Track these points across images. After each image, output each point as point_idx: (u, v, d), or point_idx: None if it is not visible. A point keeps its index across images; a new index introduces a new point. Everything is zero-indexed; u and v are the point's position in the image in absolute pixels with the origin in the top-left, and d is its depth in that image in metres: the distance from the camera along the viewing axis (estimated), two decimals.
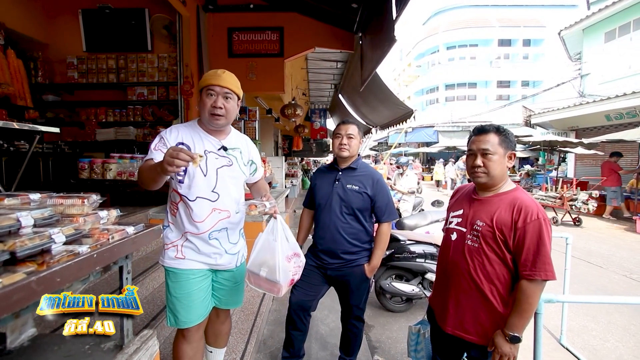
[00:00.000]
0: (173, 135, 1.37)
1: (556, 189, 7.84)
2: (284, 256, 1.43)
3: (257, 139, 4.69)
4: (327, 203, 1.88)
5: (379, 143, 30.86)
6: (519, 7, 25.23)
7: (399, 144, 24.35)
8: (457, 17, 25.71)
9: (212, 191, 1.38)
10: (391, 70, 36.56)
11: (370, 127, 9.53)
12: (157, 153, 1.33)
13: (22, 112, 4.01)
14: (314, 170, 15.74)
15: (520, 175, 11.85)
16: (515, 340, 1.23)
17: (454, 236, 1.42)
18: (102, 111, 4.60)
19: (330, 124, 14.34)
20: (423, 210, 4.97)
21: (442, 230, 1.58)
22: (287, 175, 7.44)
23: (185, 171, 1.33)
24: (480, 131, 1.35)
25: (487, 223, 1.29)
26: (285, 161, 12.36)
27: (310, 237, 2.12)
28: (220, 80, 1.34)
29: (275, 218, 1.48)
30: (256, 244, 1.50)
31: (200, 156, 1.16)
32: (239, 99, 1.45)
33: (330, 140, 17.71)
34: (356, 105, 8.82)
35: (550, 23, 21.67)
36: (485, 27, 24.38)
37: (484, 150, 1.31)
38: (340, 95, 9.41)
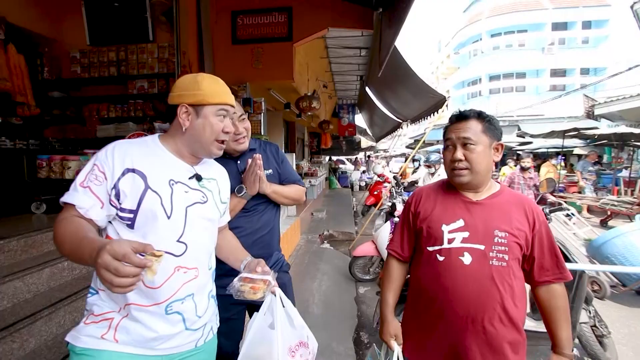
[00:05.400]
0: (118, 160, 0.89)
1: (632, 192, 6.45)
2: (285, 349, 1.02)
3: (262, 133, 4.20)
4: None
5: (415, 140, 29.30)
6: None
7: (426, 142, 22.76)
8: (503, 1, 23.45)
9: (178, 241, 0.93)
10: (428, 63, 34.71)
11: (400, 121, 8.71)
12: (84, 194, 0.86)
13: (19, 108, 3.85)
14: (344, 169, 14.90)
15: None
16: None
17: (466, 259, 1.05)
18: (104, 107, 4.39)
19: (359, 119, 13.60)
20: None
21: (392, 250, 1.29)
22: (305, 174, 6.91)
23: (136, 210, 0.88)
24: (460, 117, 1.12)
25: (510, 232, 1.06)
26: (310, 160, 11.91)
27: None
28: (232, 98, 1.04)
29: (274, 294, 1.09)
30: (248, 332, 1.05)
31: (160, 254, 0.72)
32: None
33: (360, 138, 16.99)
34: (384, 97, 8.06)
35: (617, 0, 18.90)
36: (536, 10, 21.95)
37: (464, 139, 1.08)
38: (367, 88, 8.70)
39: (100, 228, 0.89)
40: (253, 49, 4.32)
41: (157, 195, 0.90)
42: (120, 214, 0.88)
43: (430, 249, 1.11)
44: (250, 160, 1.35)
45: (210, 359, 1.09)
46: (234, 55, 4.34)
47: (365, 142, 19.26)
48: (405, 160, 11.03)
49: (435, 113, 4.96)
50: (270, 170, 1.45)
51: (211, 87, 0.98)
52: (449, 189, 1.18)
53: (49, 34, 4.42)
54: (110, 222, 0.90)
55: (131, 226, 0.88)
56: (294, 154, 4.97)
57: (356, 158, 23.61)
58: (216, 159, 1.41)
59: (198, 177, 1.02)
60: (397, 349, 1.16)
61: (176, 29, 3.88)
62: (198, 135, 0.98)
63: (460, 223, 1.09)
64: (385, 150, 22.59)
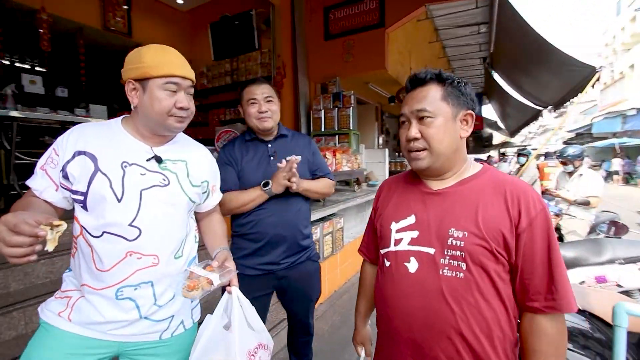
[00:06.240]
0: (71, 142, 0.89)
1: None
2: (244, 352, 0.95)
3: (352, 128, 4.03)
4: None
5: (577, 134, 22.97)
6: None
7: (594, 135, 17.06)
8: None
9: (131, 225, 0.89)
10: (601, 33, 26.68)
11: (540, 109, 6.97)
12: (41, 176, 0.89)
13: None
14: None
15: None
16: None
17: (412, 266, 0.81)
18: (221, 111, 5.16)
19: (489, 111, 11.63)
20: (602, 235, 2.92)
21: (362, 254, 1.12)
22: None
23: (85, 192, 0.87)
24: (414, 83, 0.83)
25: (472, 230, 0.74)
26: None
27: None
28: (184, 69, 0.93)
29: (230, 293, 1.01)
30: (200, 335, 0.97)
31: (58, 224, 0.70)
32: None
33: (492, 132, 14.54)
34: (515, 81, 6.62)
35: None
36: None
37: (418, 111, 0.80)
38: (493, 72, 7.31)
39: (64, 209, 0.93)
40: (344, 42, 4.22)
41: (106, 178, 0.87)
42: (73, 196, 0.88)
43: (382, 251, 0.91)
44: (286, 161, 1.31)
45: (178, 355, 1.02)
46: (325, 52, 4.34)
47: (499, 137, 16.35)
48: (538, 158, 8.70)
49: (581, 93, 3.67)
50: (299, 157, 1.43)
51: (155, 57, 0.88)
52: (413, 178, 0.93)
53: (187, 56, 5.44)
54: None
55: (85, 208, 0.88)
56: (387, 150, 4.58)
57: (488, 156, 20.53)
58: (248, 141, 1.46)
59: (158, 159, 0.95)
60: (362, 357, 1.12)
61: (273, 34, 4.16)
62: (147, 112, 0.90)
63: (410, 220, 0.85)
64: (523, 147, 18.65)
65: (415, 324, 0.78)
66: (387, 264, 0.87)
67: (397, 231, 0.86)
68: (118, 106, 5.09)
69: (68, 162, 0.87)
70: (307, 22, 4.36)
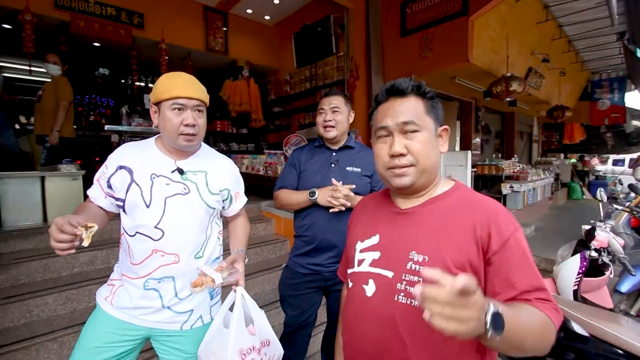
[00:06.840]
0: (115, 158, 1.09)
1: None
2: (235, 350, 1.03)
3: None
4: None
5: None
6: None
7: None
8: None
9: (156, 227, 1.05)
10: None
11: None
12: (95, 187, 1.11)
13: (252, 122, 5.49)
14: (601, 173, 10.50)
15: None
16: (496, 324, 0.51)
17: (370, 289, 0.77)
18: (301, 115, 5.44)
19: (635, 99, 9.00)
20: None
21: (340, 275, 1.04)
22: (507, 178, 5.44)
23: (124, 199, 1.06)
24: (393, 93, 0.78)
25: (433, 255, 0.70)
26: (538, 160, 9.18)
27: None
28: (189, 90, 1.05)
29: (235, 292, 1.11)
30: (212, 325, 1.12)
31: (91, 226, 0.89)
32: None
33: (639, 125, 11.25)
34: None
35: None
36: None
37: (405, 124, 0.75)
38: (637, 50, 5.65)
39: (114, 212, 1.15)
40: (421, 37, 3.93)
41: (138, 188, 1.05)
42: (116, 202, 1.08)
43: (348, 272, 0.88)
44: (344, 188, 1.39)
45: (196, 346, 1.14)
46: (401, 49, 4.12)
47: None
48: None
49: None
50: (359, 169, 1.53)
51: (165, 83, 1.03)
52: (386, 196, 0.90)
53: (273, 65, 5.97)
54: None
55: (125, 211, 1.07)
56: (469, 152, 3.99)
57: (639, 156, 15.95)
58: (317, 147, 1.61)
59: (180, 171, 1.09)
60: None
61: (347, 37, 4.17)
62: (162, 130, 1.06)
63: (374, 240, 0.81)
64: None
65: (367, 353, 0.74)
66: (350, 285, 0.84)
67: (361, 251, 0.82)
68: (219, 114, 5.93)
69: (112, 175, 1.08)
70: (383, 21, 4.22)
